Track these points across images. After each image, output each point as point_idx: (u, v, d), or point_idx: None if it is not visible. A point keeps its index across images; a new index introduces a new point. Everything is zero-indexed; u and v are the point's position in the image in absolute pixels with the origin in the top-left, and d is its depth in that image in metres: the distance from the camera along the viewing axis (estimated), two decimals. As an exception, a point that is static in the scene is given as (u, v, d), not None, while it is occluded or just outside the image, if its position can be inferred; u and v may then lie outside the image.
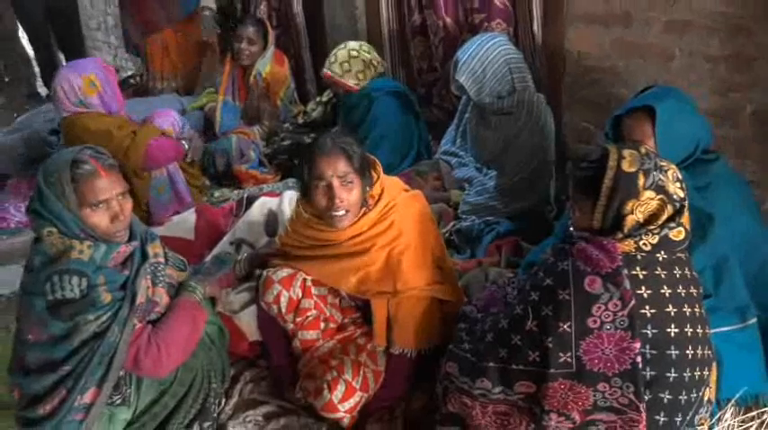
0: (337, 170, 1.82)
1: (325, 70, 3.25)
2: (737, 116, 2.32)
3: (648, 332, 1.45)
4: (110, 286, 1.64)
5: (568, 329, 1.46)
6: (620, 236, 1.50)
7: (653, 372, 1.46)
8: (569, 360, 1.46)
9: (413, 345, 1.93)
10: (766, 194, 2.29)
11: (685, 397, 1.49)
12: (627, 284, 1.44)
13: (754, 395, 1.84)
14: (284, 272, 1.97)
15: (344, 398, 1.86)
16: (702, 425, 1.60)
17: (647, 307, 1.46)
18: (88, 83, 2.74)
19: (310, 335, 1.99)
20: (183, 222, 2.66)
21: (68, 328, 1.59)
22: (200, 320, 1.86)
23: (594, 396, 1.48)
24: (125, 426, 1.76)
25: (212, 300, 2.04)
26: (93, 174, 1.66)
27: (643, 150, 1.54)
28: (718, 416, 1.77)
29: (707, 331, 1.55)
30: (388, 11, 3.67)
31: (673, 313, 1.48)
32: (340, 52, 3.21)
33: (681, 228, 1.51)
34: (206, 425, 1.87)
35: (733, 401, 1.78)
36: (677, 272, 1.51)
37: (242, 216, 2.66)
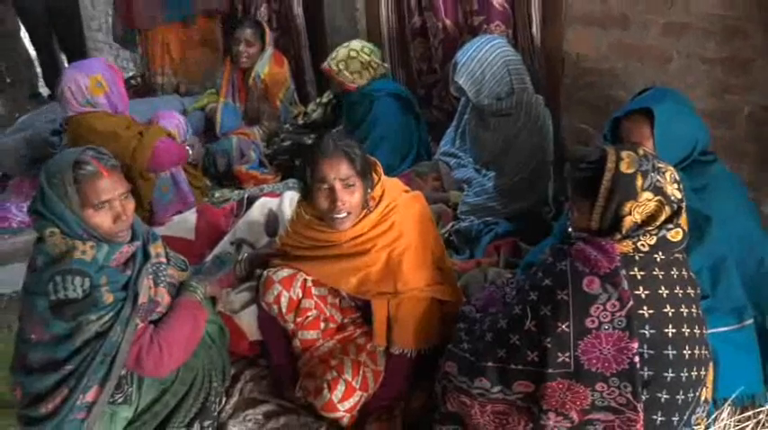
0: (339, 173, 1.82)
1: (324, 64, 3.28)
2: (734, 118, 2.33)
3: (646, 332, 1.45)
4: (112, 286, 1.65)
5: (567, 329, 1.46)
6: (618, 236, 1.50)
7: (650, 372, 1.46)
8: (567, 360, 1.47)
9: (412, 345, 1.93)
10: (762, 196, 2.30)
11: (682, 396, 1.49)
12: (625, 285, 1.45)
13: (751, 395, 1.84)
14: (285, 272, 1.97)
15: (344, 398, 1.86)
16: (699, 424, 1.60)
17: (645, 307, 1.46)
18: (95, 83, 2.75)
19: (310, 334, 1.99)
20: (184, 222, 2.66)
21: (71, 328, 1.59)
22: (202, 320, 1.87)
23: (592, 395, 1.48)
24: (126, 425, 1.77)
25: (213, 300, 2.04)
26: (96, 174, 1.66)
27: (641, 152, 1.54)
28: (714, 415, 1.77)
29: (704, 331, 1.55)
30: (387, 12, 3.67)
31: (670, 313, 1.48)
32: (341, 50, 3.23)
33: (678, 229, 1.51)
34: (206, 423, 1.87)
35: (729, 401, 1.79)
36: (675, 272, 1.52)
37: (242, 216, 2.67)
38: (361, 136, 3.13)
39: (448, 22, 3.37)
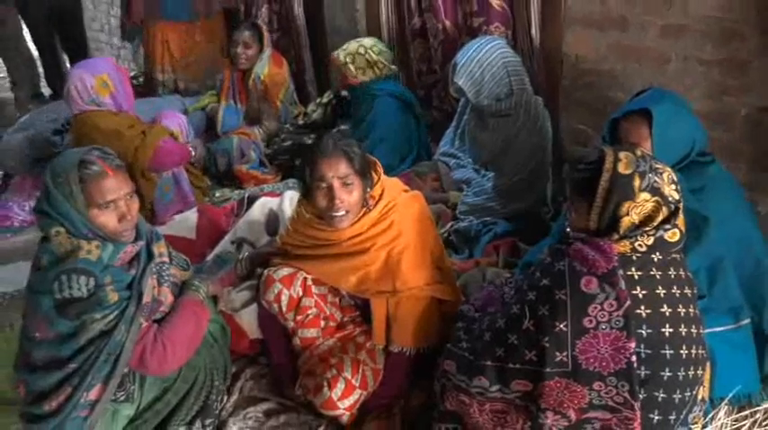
0: (338, 172, 1.83)
1: (334, 53, 3.32)
2: (731, 119, 2.34)
3: (643, 332, 1.46)
4: (116, 285, 1.65)
5: (564, 329, 1.46)
6: (615, 237, 1.50)
7: (647, 371, 1.46)
8: (565, 359, 1.47)
9: (411, 344, 1.94)
10: (759, 197, 2.31)
11: (679, 395, 1.49)
12: (622, 285, 1.45)
13: (747, 394, 1.86)
14: (285, 270, 1.98)
15: (344, 396, 1.87)
16: (696, 423, 1.61)
17: (643, 307, 1.47)
18: (101, 83, 2.77)
19: (310, 333, 2.00)
20: (185, 221, 2.66)
21: (75, 327, 1.60)
22: (204, 319, 1.88)
23: (590, 394, 1.48)
24: (128, 423, 1.77)
25: (214, 299, 2.05)
26: (101, 174, 1.67)
27: (639, 152, 1.54)
28: (711, 414, 1.79)
29: (701, 331, 1.55)
30: (387, 13, 3.68)
31: (667, 313, 1.48)
32: (353, 44, 3.28)
33: (676, 230, 1.51)
34: (208, 421, 1.88)
35: (726, 400, 1.80)
36: (672, 272, 1.52)
37: (243, 215, 2.67)
38: (362, 134, 3.15)
39: (448, 23, 3.38)
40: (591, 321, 1.46)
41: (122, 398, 1.72)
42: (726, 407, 1.81)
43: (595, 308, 1.46)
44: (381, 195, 1.94)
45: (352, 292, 1.98)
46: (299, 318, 1.99)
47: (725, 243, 1.87)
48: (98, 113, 2.79)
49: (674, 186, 1.54)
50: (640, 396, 1.46)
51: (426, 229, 2.01)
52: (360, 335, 2.03)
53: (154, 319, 1.77)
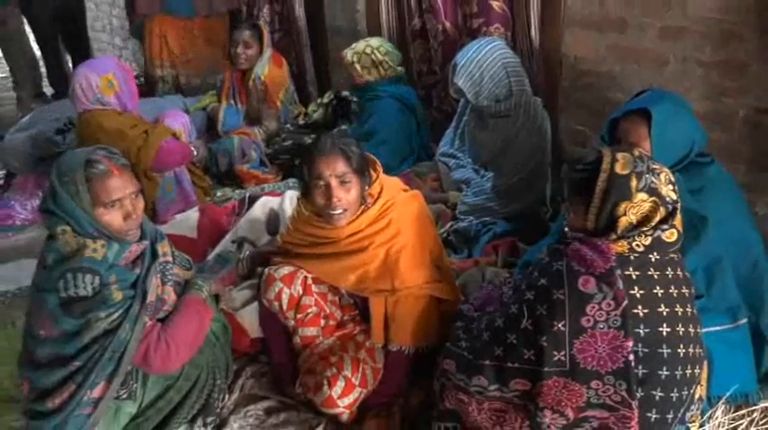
0: (335, 170, 1.84)
1: (344, 51, 3.35)
2: (729, 121, 2.34)
3: (641, 331, 1.46)
4: (121, 284, 1.66)
5: (563, 328, 1.47)
6: (613, 237, 1.50)
7: (645, 370, 1.47)
8: (563, 358, 1.47)
9: (410, 343, 1.94)
10: (757, 197, 2.31)
11: (677, 394, 1.50)
12: (620, 284, 1.45)
13: (744, 393, 1.86)
14: (285, 269, 1.99)
15: (344, 394, 1.88)
16: (694, 422, 1.61)
17: (640, 306, 1.47)
18: (106, 82, 2.78)
19: (310, 331, 2.00)
20: (187, 220, 2.67)
21: (80, 325, 1.60)
22: (207, 318, 1.88)
23: (588, 393, 1.48)
24: (130, 420, 1.77)
25: (216, 298, 2.05)
26: (107, 173, 1.67)
27: (636, 153, 1.55)
28: (709, 413, 1.79)
29: (698, 330, 1.55)
30: (388, 14, 3.69)
31: (665, 313, 1.48)
32: (361, 44, 3.32)
33: (673, 230, 1.52)
34: (209, 419, 1.88)
35: (724, 399, 1.80)
36: (669, 272, 1.52)
37: (244, 215, 2.68)
38: (365, 130, 3.17)
39: (448, 24, 3.39)
40: (589, 321, 1.46)
41: (125, 396, 1.73)
42: (723, 406, 1.82)
43: (593, 307, 1.46)
44: (380, 193, 1.95)
45: (352, 291, 1.99)
46: (299, 316, 1.99)
47: (723, 243, 1.87)
48: (102, 113, 2.80)
49: (671, 187, 1.54)
50: (638, 395, 1.47)
51: (425, 228, 2.01)
52: (360, 333, 2.04)
53: (157, 318, 1.77)
